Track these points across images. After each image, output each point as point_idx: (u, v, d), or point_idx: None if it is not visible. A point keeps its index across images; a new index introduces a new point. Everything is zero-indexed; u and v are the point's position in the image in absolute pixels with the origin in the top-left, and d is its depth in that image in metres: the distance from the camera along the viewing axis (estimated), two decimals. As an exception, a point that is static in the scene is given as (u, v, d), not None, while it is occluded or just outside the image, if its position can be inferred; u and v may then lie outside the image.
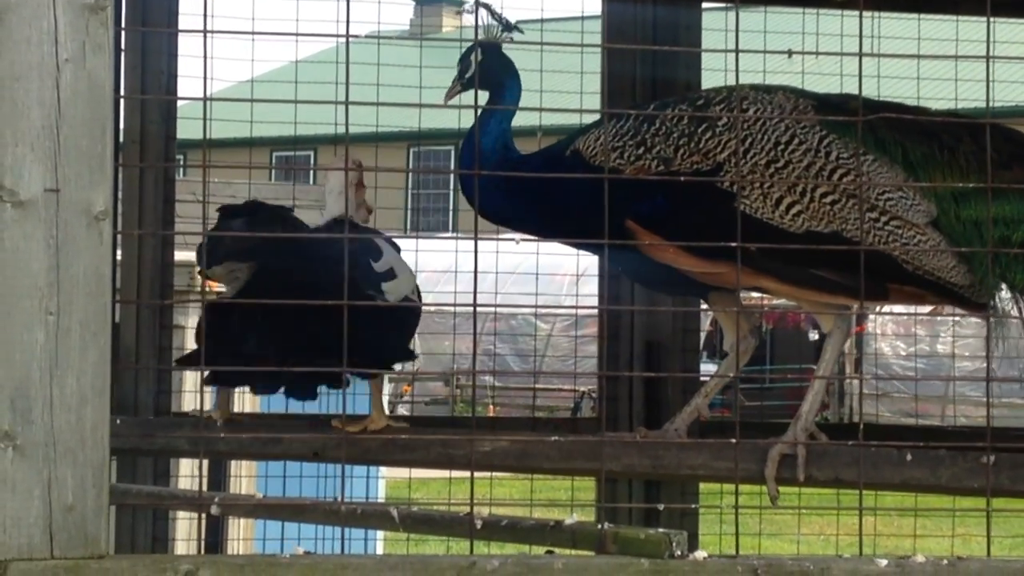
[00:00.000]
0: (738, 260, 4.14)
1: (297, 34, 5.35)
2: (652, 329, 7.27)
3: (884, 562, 3.35)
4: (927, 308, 5.39)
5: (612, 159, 4.58)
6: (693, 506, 6.03)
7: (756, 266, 4.48)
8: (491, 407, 18.98)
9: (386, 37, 10.00)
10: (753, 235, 4.29)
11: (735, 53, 4.53)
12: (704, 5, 7.80)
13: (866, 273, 4.26)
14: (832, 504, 9.84)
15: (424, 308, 5.36)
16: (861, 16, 3.72)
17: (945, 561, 3.35)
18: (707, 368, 24.65)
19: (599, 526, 3.37)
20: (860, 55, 3.63)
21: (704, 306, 5.13)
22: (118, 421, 4.60)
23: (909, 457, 4.30)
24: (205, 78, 3.39)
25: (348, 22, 3.32)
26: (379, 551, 11.65)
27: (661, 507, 5.78)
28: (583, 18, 9.17)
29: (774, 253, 4.45)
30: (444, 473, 7.11)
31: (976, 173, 4.52)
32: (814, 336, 24.58)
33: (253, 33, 4.27)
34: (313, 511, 3.99)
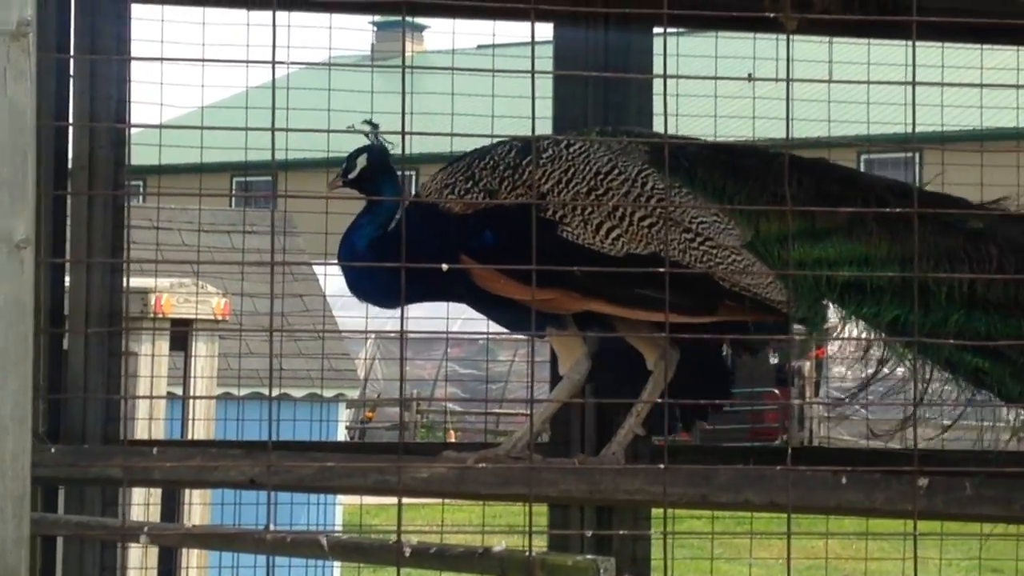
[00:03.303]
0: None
1: (248, 61, 5.35)
2: (602, 353, 7.26)
3: (811, 586, 3.35)
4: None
5: (444, 195, 4.84)
6: (622, 532, 6.05)
7: (583, 290, 4.68)
8: (451, 432, 18.97)
9: (339, 64, 10.00)
10: (577, 261, 4.58)
11: (669, 78, 4.65)
12: (656, 30, 7.83)
13: (690, 291, 4.66)
14: (789, 529, 9.85)
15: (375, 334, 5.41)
16: (789, 40, 3.73)
17: (872, 585, 3.35)
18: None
19: (527, 553, 3.36)
20: (787, 79, 3.65)
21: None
22: (52, 450, 4.58)
23: (844, 480, 4.32)
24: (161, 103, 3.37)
25: (274, 47, 3.32)
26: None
27: (589, 533, 5.78)
28: (533, 43, 9.19)
29: (599, 275, 4.68)
30: (406, 500, 7.11)
31: (798, 215, 4.72)
32: (774, 360, 24.64)
33: (217, 60, 4.26)
34: (242, 540, 3.97)
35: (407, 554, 3.41)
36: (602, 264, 4.66)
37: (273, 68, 3.30)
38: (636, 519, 6.91)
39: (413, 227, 4.71)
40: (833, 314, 4.75)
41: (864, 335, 4.71)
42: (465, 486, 4.49)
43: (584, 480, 4.50)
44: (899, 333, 4.62)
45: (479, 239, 4.78)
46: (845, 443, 18.72)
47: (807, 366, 23.18)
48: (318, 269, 13.79)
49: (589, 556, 3.33)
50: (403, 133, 3.52)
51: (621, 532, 5.88)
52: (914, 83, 3.63)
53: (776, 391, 24.72)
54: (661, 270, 4.54)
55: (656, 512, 10.19)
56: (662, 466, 3.66)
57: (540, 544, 8.02)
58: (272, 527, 3.81)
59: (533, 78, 3.53)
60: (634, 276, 4.66)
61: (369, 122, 5.19)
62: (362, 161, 5.07)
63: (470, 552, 3.43)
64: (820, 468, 4.33)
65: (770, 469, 4.40)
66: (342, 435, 14.56)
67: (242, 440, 7.77)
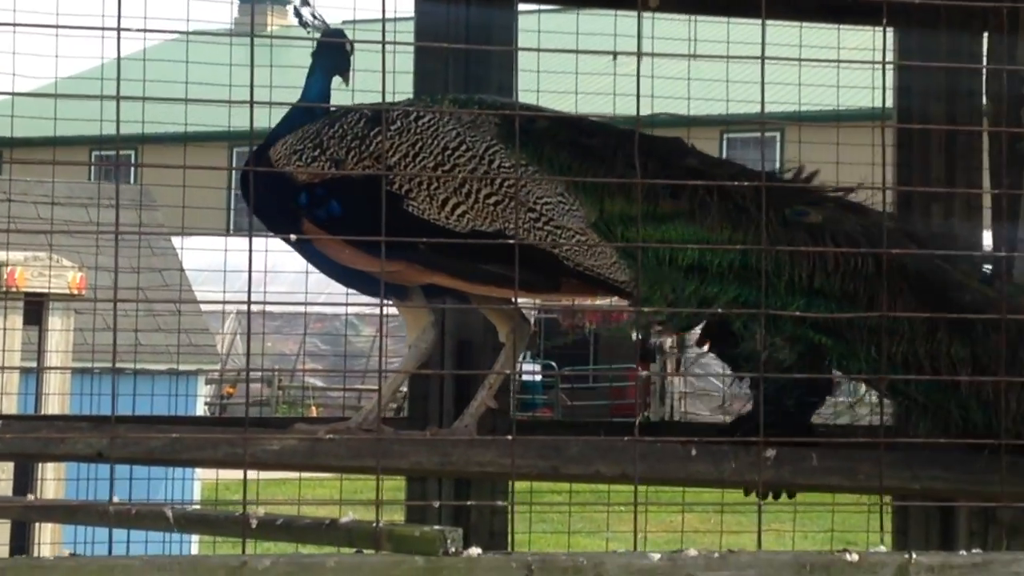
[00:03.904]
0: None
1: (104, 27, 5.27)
2: (464, 328, 7.26)
3: (657, 556, 3.38)
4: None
5: (292, 162, 4.80)
6: (469, 502, 6.05)
7: (426, 263, 4.70)
8: (313, 408, 18.88)
9: (200, 33, 9.89)
10: (422, 235, 4.58)
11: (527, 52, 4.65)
12: (520, 7, 7.83)
13: (533, 268, 4.67)
14: (636, 500, 9.93)
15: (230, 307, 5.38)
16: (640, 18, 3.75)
17: (716, 554, 3.39)
18: (527, 367, 24.78)
19: (374, 524, 3.35)
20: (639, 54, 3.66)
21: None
22: None
23: (694, 452, 4.36)
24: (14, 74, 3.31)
25: (119, 16, 3.27)
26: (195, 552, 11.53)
27: (437, 504, 5.78)
28: (396, 19, 9.16)
29: (442, 250, 4.69)
30: (267, 474, 7.07)
31: (644, 198, 4.75)
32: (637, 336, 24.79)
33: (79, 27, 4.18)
34: (85, 512, 3.92)
35: (253, 525, 3.39)
36: (449, 237, 4.67)
37: (119, 38, 3.25)
38: (494, 492, 6.93)
39: (261, 189, 4.68)
40: (674, 295, 4.77)
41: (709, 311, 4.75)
42: (316, 459, 4.47)
43: (436, 452, 4.49)
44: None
45: (325, 209, 4.76)
46: (703, 419, 18.90)
47: (668, 342, 23.38)
48: (176, 243, 13.66)
49: (437, 527, 3.32)
50: (248, 103, 3.48)
51: (468, 503, 5.88)
52: (763, 58, 3.66)
53: (638, 367, 24.92)
54: (504, 242, 4.55)
55: (520, 485, 10.22)
56: (510, 437, 3.66)
57: (399, 518, 8.02)
58: (116, 500, 3.77)
59: (383, 49, 3.51)
60: (477, 252, 4.67)
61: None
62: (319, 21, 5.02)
63: (317, 524, 3.41)
64: (669, 439, 4.37)
65: (620, 440, 4.43)
66: (201, 410, 14.45)
67: (95, 415, 7.67)
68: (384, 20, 3.66)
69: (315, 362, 21.94)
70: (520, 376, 22.14)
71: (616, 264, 4.72)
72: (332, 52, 5.06)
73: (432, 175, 4.70)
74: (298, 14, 5.19)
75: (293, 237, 4.46)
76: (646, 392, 23.68)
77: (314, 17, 5.17)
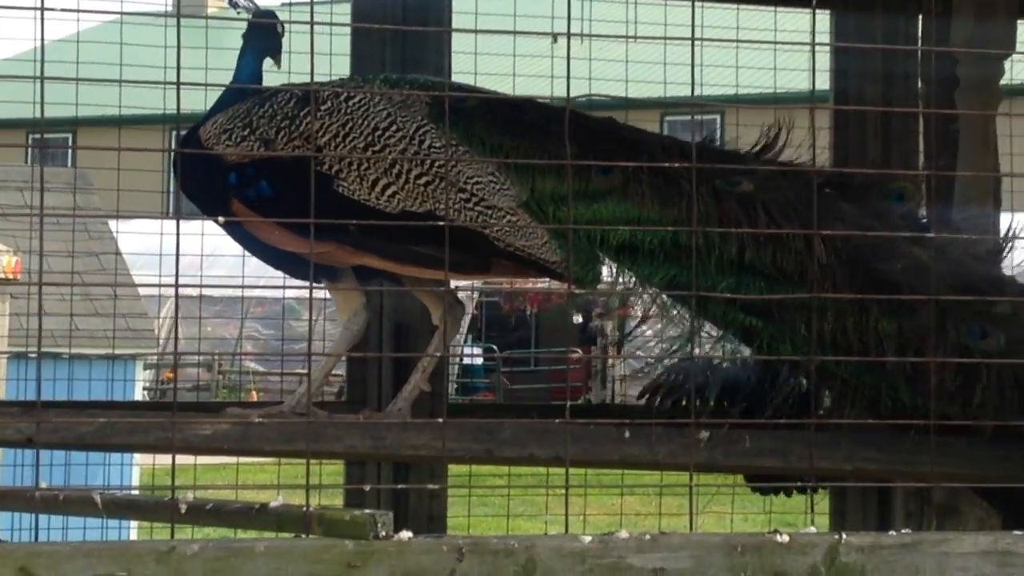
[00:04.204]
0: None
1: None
2: (402, 311, 7.24)
3: (588, 539, 3.37)
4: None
5: (222, 141, 4.80)
6: (400, 486, 6.04)
7: (356, 244, 4.67)
8: (253, 392, 18.80)
9: (134, 14, 9.83)
10: (352, 216, 4.51)
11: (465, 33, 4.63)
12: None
13: (463, 248, 4.63)
14: (586, 483, 9.94)
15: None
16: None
17: (648, 536, 3.38)
18: (469, 351, 24.76)
19: (304, 508, 3.33)
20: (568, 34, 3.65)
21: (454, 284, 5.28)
22: None
23: (627, 435, 4.36)
24: None
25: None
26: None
27: (367, 488, 5.77)
28: (332, 2, 9.13)
29: (372, 231, 4.68)
30: (206, 459, 7.04)
31: (575, 175, 4.77)
32: (578, 319, 24.83)
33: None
34: (12, 498, 3.89)
35: (182, 511, 3.36)
36: (379, 218, 4.66)
37: (42, 19, 3.21)
38: (432, 476, 6.92)
39: (191, 170, 4.67)
40: (607, 273, 4.78)
41: (642, 292, 4.75)
42: (249, 443, 4.45)
43: (369, 436, 4.48)
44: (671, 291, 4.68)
45: (255, 189, 4.75)
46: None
47: (610, 326, 23.42)
48: (113, 226, 13.57)
49: (368, 511, 3.30)
50: (175, 85, 3.45)
51: (402, 487, 5.87)
52: (693, 39, 3.66)
53: (579, 351, 24.94)
54: (435, 223, 4.54)
55: (459, 469, 10.20)
56: (440, 420, 3.65)
57: (337, 502, 7.98)
58: (44, 485, 3.74)
59: (312, 30, 3.48)
60: (407, 233, 4.66)
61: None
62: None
63: (247, 508, 3.39)
64: (603, 422, 4.37)
65: (553, 423, 4.42)
66: (140, 395, 14.37)
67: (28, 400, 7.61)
68: (312, 1, 3.63)
69: (256, 347, 21.85)
70: (460, 360, 22.13)
71: (547, 245, 4.72)
72: (262, 33, 5.04)
73: (362, 156, 4.68)
74: None
75: (221, 219, 4.42)
76: (587, 375, 23.72)
77: None
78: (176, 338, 3.61)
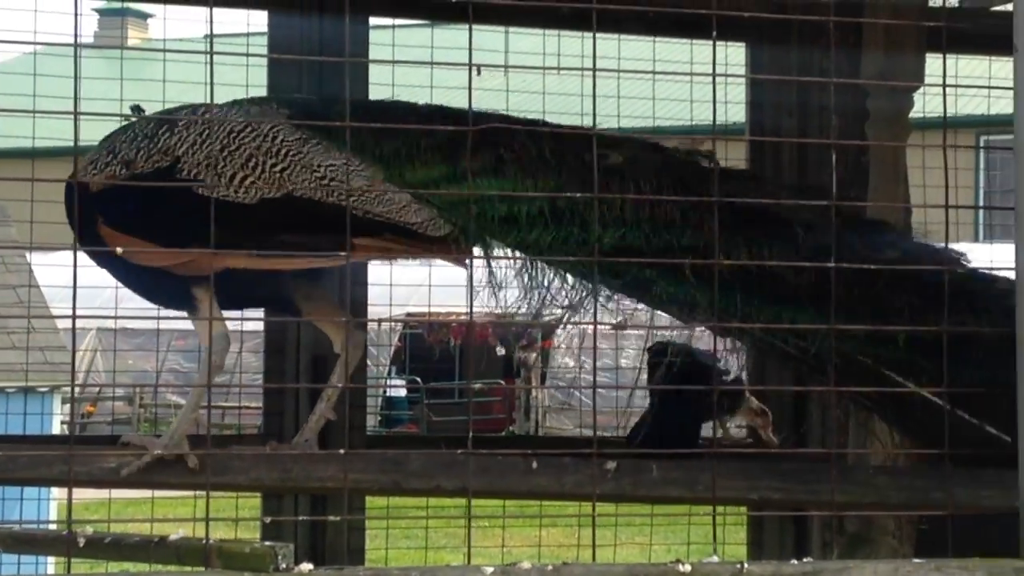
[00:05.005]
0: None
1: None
2: (318, 344, 7.23)
3: (490, 569, 3.37)
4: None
5: (88, 172, 4.87)
6: (327, 517, 5.98)
7: (218, 244, 4.66)
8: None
9: (47, 44, 9.76)
10: (216, 215, 4.48)
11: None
12: (372, 21, 7.82)
13: (326, 227, 4.67)
14: (469, 513, 9.91)
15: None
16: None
17: (550, 567, 3.38)
18: (393, 383, 24.69)
19: (204, 541, 3.31)
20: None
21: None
22: None
23: (535, 465, 4.35)
24: None
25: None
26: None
27: (268, 520, 5.74)
28: (248, 34, 9.10)
29: (234, 227, 4.67)
30: (128, 493, 6.98)
31: (440, 161, 4.85)
32: (501, 351, 24.81)
33: None
34: (-95, 532, 3.84)
35: (80, 544, 3.32)
36: (239, 214, 4.72)
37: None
38: (351, 508, 6.88)
39: (68, 203, 4.74)
40: (496, 245, 4.85)
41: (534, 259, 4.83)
42: (152, 476, 4.40)
43: (276, 468, 4.45)
44: (558, 253, 4.74)
45: (119, 209, 4.81)
46: (568, 433, 18.95)
47: (533, 357, 23.43)
48: (35, 259, 13.44)
49: (267, 543, 3.28)
50: (73, 115, 3.43)
51: (301, 518, 5.84)
52: (595, 69, 3.68)
53: (502, 382, 24.93)
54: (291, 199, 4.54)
55: (378, 502, 10.11)
56: (342, 451, 3.63)
57: (256, 535, 7.91)
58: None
59: (211, 60, 3.47)
60: (267, 224, 4.72)
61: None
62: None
63: (146, 541, 3.36)
64: (510, 452, 4.36)
65: (458, 454, 4.40)
66: (58, 429, 14.22)
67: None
68: (212, 35, 3.64)
69: (178, 380, 21.68)
70: (385, 392, 22.04)
71: (407, 207, 4.79)
72: None
73: (219, 156, 4.76)
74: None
75: (120, 250, 4.40)
76: (511, 407, 23.70)
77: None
78: (72, 371, 3.57)
